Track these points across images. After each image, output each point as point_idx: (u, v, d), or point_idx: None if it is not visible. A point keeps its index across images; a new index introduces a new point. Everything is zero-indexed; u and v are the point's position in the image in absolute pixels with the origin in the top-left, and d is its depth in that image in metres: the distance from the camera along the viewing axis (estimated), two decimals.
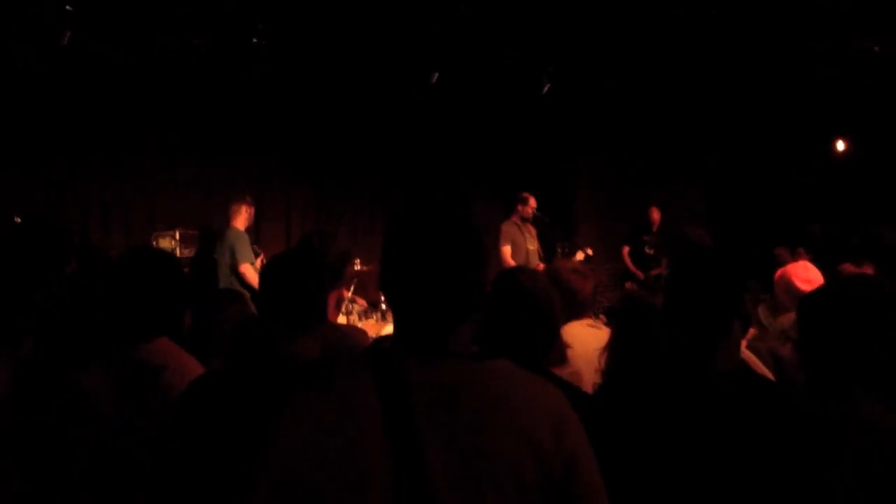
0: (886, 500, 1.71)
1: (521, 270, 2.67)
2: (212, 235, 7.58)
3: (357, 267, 8.11)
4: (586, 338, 3.09)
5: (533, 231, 8.28)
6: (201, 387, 2.18)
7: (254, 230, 7.69)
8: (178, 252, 7.73)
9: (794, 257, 7.75)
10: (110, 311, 2.42)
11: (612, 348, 2.58)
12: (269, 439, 1.49)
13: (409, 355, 1.50)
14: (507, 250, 7.97)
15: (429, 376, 1.46)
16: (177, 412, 2.15)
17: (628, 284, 9.18)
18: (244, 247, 6.93)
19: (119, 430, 2.20)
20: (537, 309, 2.39)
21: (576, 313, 3.35)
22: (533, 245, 8.19)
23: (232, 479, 1.86)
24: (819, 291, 2.11)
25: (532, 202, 8.17)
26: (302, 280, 2.26)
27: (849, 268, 4.59)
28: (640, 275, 9.23)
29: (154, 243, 7.73)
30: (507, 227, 8.11)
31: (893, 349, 1.86)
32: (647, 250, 9.34)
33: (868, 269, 4.42)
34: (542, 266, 7.70)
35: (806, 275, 3.79)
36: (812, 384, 1.96)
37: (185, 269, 7.23)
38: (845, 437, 1.79)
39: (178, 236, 7.85)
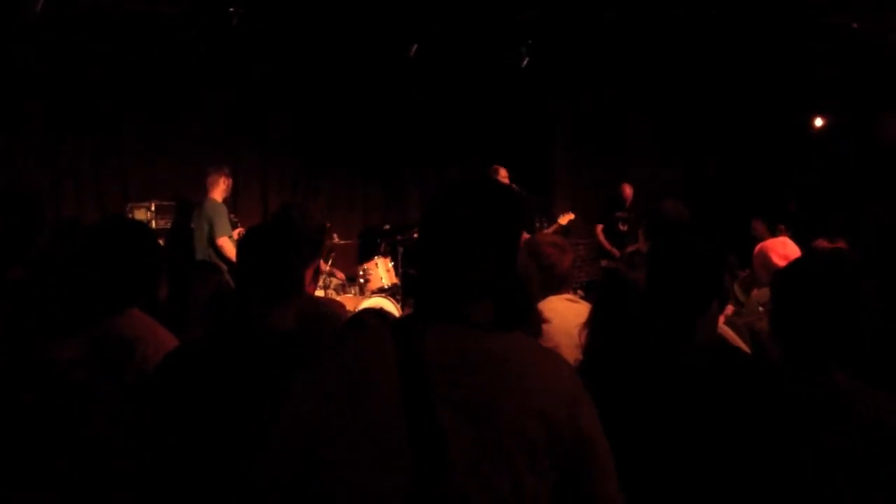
0: (860, 472, 1.73)
1: None
2: (188, 206, 7.51)
3: (335, 240, 8.10)
4: (565, 312, 3.10)
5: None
6: (178, 358, 2.17)
7: (231, 202, 7.63)
8: (153, 223, 7.66)
9: (775, 234, 7.80)
10: (83, 282, 2.39)
11: (592, 324, 2.57)
12: (283, 403, 1.51)
13: (430, 324, 1.52)
14: None
15: (449, 344, 1.48)
16: (155, 384, 2.13)
17: (604, 262, 9.19)
18: (222, 219, 6.89)
19: (94, 403, 2.18)
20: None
21: (554, 287, 3.35)
22: None
23: (228, 446, 1.86)
24: (791, 266, 2.12)
25: (503, 173, 8.10)
26: (279, 251, 2.25)
27: (823, 243, 4.63)
28: (616, 252, 9.24)
29: (129, 215, 7.65)
30: None
31: (863, 322, 1.88)
32: (621, 227, 9.36)
33: (841, 245, 4.46)
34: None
35: (784, 251, 3.82)
36: (786, 358, 1.97)
37: (161, 241, 7.19)
38: (819, 410, 1.80)
39: (153, 207, 7.78)
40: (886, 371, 1.96)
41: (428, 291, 1.58)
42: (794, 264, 2.13)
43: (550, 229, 8.16)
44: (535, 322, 2.46)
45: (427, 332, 1.50)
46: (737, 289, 4.54)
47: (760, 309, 3.56)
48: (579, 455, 1.47)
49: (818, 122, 10.66)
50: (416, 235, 1.70)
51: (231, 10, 7.61)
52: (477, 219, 1.54)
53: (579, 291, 6.56)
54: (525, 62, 9.38)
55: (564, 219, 8.42)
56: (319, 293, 7.00)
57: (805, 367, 1.89)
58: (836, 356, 1.87)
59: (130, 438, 2.06)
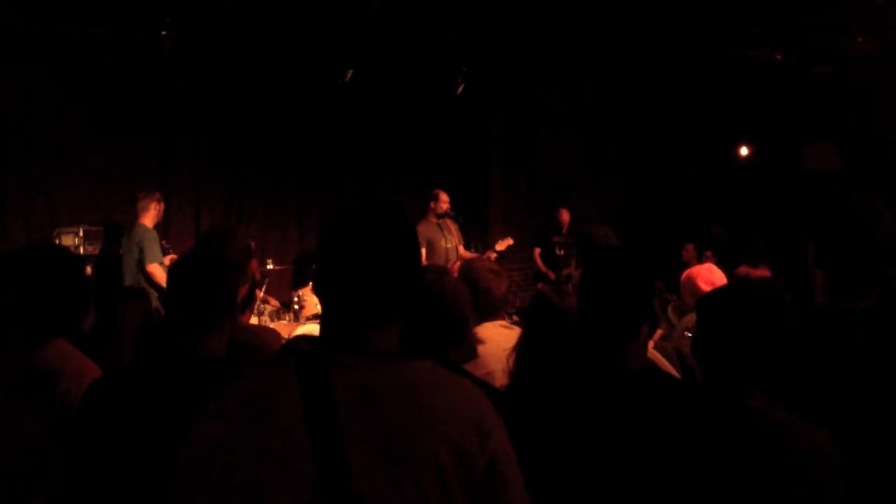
0: (774, 491, 1.78)
1: (428, 269, 2.68)
2: (118, 231, 7.37)
3: (269, 266, 8.01)
4: (499, 338, 3.11)
5: (452, 227, 8.26)
6: (100, 389, 2.12)
7: (163, 226, 7.51)
8: (82, 249, 7.48)
9: (701, 260, 7.98)
10: (4, 312, 2.33)
11: (519, 349, 2.60)
12: (184, 439, 1.45)
13: (333, 354, 1.49)
14: (421, 253, 7.90)
15: (352, 375, 1.45)
16: (76, 417, 2.08)
17: (540, 285, 9.29)
18: (153, 246, 6.77)
19: (7, 434, 2.12)
20: (443, 306, 2.39)
21: (490, 313, 3.36)
22: (451, 242, 8.15)
23: (143, 481, 1.81)
24: (713, 293, 2.18)
25: (444, 198, 8.14)
26: (201, 279, 2.21)
27: (745, 270, 4.76)
28: (552, 275, 9.36)
29: (56, 240, 7.46)
30: (422, 228, 8.02)
31: (781, 348, 1.94)
32: (558, 251, 9.49)
33: (764, 272, 4.58)
34: (458, 263, 7.71)
35: (710, 277, 3.91)
36: (708, 381, 2.02)
37: (89, 267, 7.04)
38: (737, 432, 1.85)
39: (81, 232, 7.60)
40: (806, 393, 2.02)
41: (330, 321, 1.55)
42: (717, 292, 2.20)
43: (490, 254, 8.21)
44: (469, 345, 2.47)
45: (331, 365, 1.46)
46: (671, 313, 4.63)
47: (687, 334, 3.63)
48: (492, 483, 1.46)
49: (744, 150, 10.97)
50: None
51: (163, 33, 7.52)
52: (368, 244, 1.52)
53: (514, 317, 6.61)
54: (460, 89, 9.47)
55: (502, 244, 8.48)
56: (254, 320, 6.91)
57: (725, 388, 1.95)
58: (756, 379, 1.93)
59: (45, 470, 2.01)
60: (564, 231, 9.59)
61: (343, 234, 1.55)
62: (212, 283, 2.20)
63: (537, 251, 9.78)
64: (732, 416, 1.89)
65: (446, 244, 8.08)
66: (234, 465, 1.39)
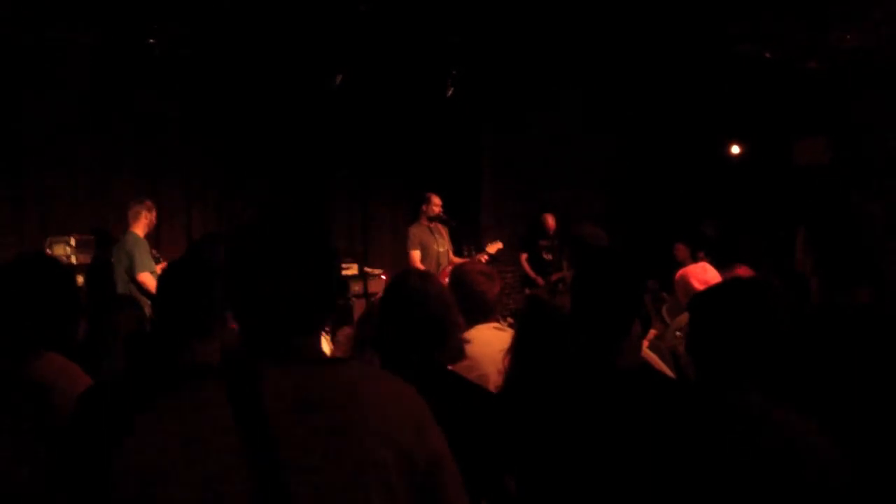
0: (768, 488, 1.78)
1: (411, 272, 2.70)
2: (109, 240, 7.34)
3: None
4: (492, 340, 3.10)
5: (444, 231, 8.25)
6: (90, 400, 2.11)
7: (154, 234, 7.49)
8: (74, 258, 7.44)
9: (695, 259, 8.00)
10: None
11: (513, 351, 2.60)
12: (116, 458, 1.43)
13: (262, 362, 1.47)
14: (415, 255, 7.89)
15: (284, 383, 1.43)
16: (66, 428, 2.07)
17: (527, 291, 9.28)
18: (143, 255, 6.75)
19: (2, 446, 2.11)
20: (426, 308, 2.40)
21: (483, 315, 3.36)
22: (443, 246, 8.14)
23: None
24: (707, 291, 2.19)
25: (436, 201, 8.13)
26: (190, 285, 2.21)
27: (738, 268, 4.77)
28: (540, 280, 9.33)
29: (48, 249, 7.43)
30: (415, 230, 8.04)
31: (775, 344, 1.94)
32: (545, 255, 9.49)
33: (745, 271, 4.59)
34: (450, 266, 7.70)
35: (704, 276, 3.92)
36: (702, 379, 2.02)
37: (80, 276, 7.02)
38: (731, 429, 1.85)
39: (73, 242, 7.56)
40: (804, 390, 2.02)
41: (252, 331, 1.52)
42: (710, 290, 2.20)
43: (480, 256, 8.21)
44: (456, 346, 2.47)
45: (260, 373, 1.44)
46: (665, 314, 4.63)
47: (678, 334, 3.64)
48: (432, 478, 1.47)
49: (735, 149, 10.99)
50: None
51: (151, 41, 7.51)
52: (282, 252, 1.51)
53: (508, 319, 6.60)
54: (450, 92, 9.47)
55: (493, 247, 8.48)
56: None
57: (719, 386, 1.95)
58: (750, 375, 1.93)
59: (39, 482, 2.00)
60: (550, 235, 9.60)
61: (255, 244, 1.53)
62: (200, 288, 2.19)
63: (524, 256, 9.79)
64: (725, 415, 1.89)
65: (438, 248, 8.07)
66: (170, 485, 1.36)
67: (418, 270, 2.78)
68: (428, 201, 8.13)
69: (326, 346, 6.62)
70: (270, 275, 1.48)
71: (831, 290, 2.30)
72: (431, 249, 8.00)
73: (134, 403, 1.98)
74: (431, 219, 8.12)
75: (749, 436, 1.83)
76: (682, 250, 9.33)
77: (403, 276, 2.60)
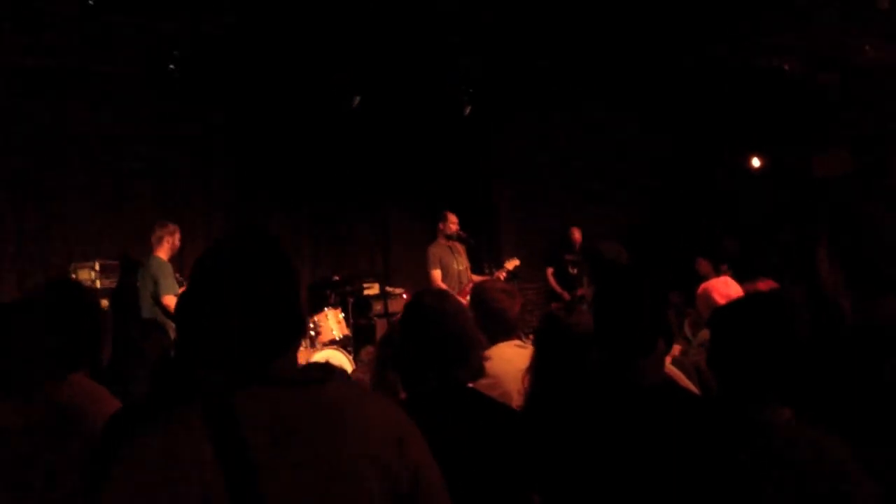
0: (791, 502, 1.76)
1: (427, 292, 2.71)
2: (133, 265, 7.41)
3: None
4: (514, 358, 3.11)
5: (461, 249, 8.24)
6: (117, 425, 2.12)
7: (177, 257, 7.55)
8: (98, 283, 7.52)
9: (718, 272, 7.95)
10: (21, 349, 2.34)
11: (533, 369, 2.60)
12: (101, 492, 1.40)
13: (238, 387, 1.45)
14: (436, 274, 7.86)
15: (261, 408, 1.42)
16: (96, 453, 2.08)
17: (554, 305, 9.25)
18: (167, 278, 6.80)
19: (34, 469, 2.13)
20: (444, 327, 2.40)
21: (505, 333, 3.36)
22: (462, 264, 8.12)
23: None
24: (727, 306, 2.18)
25: (452, 219, 8.13)
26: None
27: (760, 282, 4.74)
28: (566, 295, 9.33)
29: (73, 275, 7.51)
30: (434, 250, 8.03)
31: (797, 359, 1.93)
32: (571, 270, 9.48)
33: (769, 284, 4.56)
34: (470, 284, 7.70)
35: (726, 291, 3.89)
36: (725, 394, 2.01)
37: (105, 301, 7.08)
38: (754, 444, 1.84)
39: (97, 267, 7.64)
40: (826, 405, 2.01)
41: (226, 356, 1.50)
42: (732, 305, 2.19)
43: (499, 274, 8.20)
44: (476, 364, 2.48)
45: (237, 400, 1.42)
46: (687, 329, 4.61)
47: (702, 349, 3.61)
48: (415, 490, 1.47)
49: (755, 161, 10.94)
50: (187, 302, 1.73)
51: (171, 66, 7.61)
52: (247, 275, 1.50)
53: (530, 336, 6.58)
54: (468, 111, 9.51)
55: (510, 264, 8.47)
56: None
57: (742, 402, 1.94)
58: (773, 391, 1.92)
59: None
60: (577, 249, 9.58)
61: (224, 269, 1.52)
62: None
63: (550, 271, 9.78)
64: (749, 431, 1.88)
65: (458, 266, 8.05)
66: None
67: (434, 289, 2.79)
68: (445, 219, 8.13)
69: (348, 365, 6.67)
70: (232, 298, 1.48)
71: (865, 304, 2.27)
72: (451, 268, 7.98)
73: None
74: (449, 237, 8.11)
75: (773, 453, 1.82)
76: (704, 265, 9.28)
77: (419, 296, 2.62)
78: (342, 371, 2.70)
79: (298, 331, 1.57)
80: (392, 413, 1.55)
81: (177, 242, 7.14)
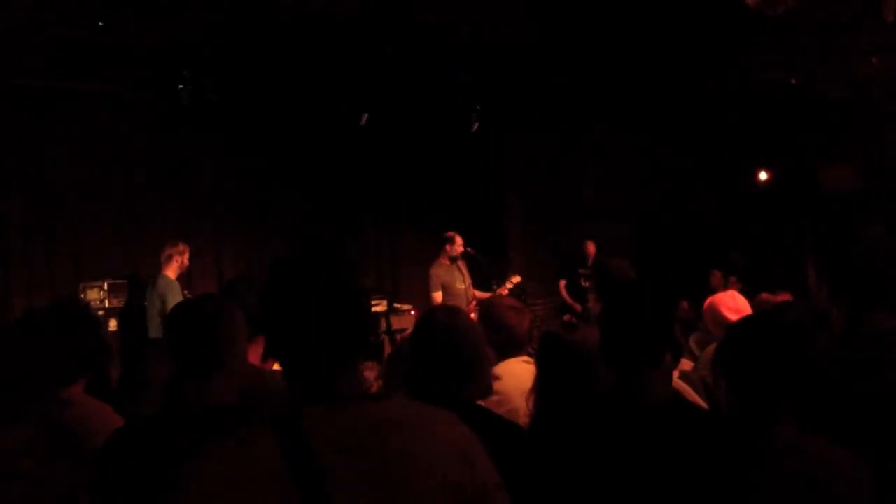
0: None
1: (439, 308, 2.70)
2: (142, 284, 7.43)
3: None
4: (523, 374, 3.09)
5: (464, 267, 8.21)
6: (116, 442, 2.11)
7: (185, 277, 7.56)
8: (106, 302, 7.56)
9: (727, 286, 7.93)
10: (24, 367, 2.35)
11: (536, 388, 2.60)
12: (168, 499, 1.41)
13: (306, 403, 1.47)
14: (437, 296, 7.78)
15: (330, 423, 1.43)
16: (96, 468, 2.08)
17: (567, 317, 9.27)
18: (175, 297, 6.81)
19: (39, 489, 2.13)
20: (454, 344, 2.40)
21: (513, 349, 3.35)
22: (464, 283, 8.09)
23: None
24: (743, 322, 2.17)
25: (458, 240, 8.09)
26: (194, 326, 2.20)
27: (766, 297, 4.72)
28: (578, 307, 9.34)
29: (82, 294, 7.54)
30: (436, 271, 7.94)
31: (810, 376, 1.92)
32: (584, 283, 9.48)
33: (785, 296, 4.55)
34: (474, 302, 7.69)
35: (734, 304, 3.88)
36: (735, 411, 2.01)
37: (113, 321, 7.11)
38: (763, 461, 1.83)
39: (106, 286, 7.67)
40: (840, 421, 2.00)
41: (295, 370, 1.53)
42: (744, 321, 2.19)
43: (502, 291, 8.17)
44: (485, 381, 2.47)
45: (306, 415, 1.44)
46: (693, 344, 4.58)
47: (708, 364, 3.59)
48: None
49: (763, 175, 10.94)
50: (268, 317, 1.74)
51: (181, 87, 7.65)
52: (325, 292, 1.52)
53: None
54: (475, 126, 9.53)
55: (511, 281, 8.46)
56: (277, 366, 6.91)
57: (753, 417, 1.93)
58: (784, 407, 1.91)
59: None
60: (590, 263, 9.57)
61: (297, 284, 1.54)
62: (213, 329, 2.18)
63: (563, 283, 9.79)
64: (760, 447, 1.87)
65: (461, 285, 7.99)
66: None
67: (446, 306, 2.78)
68: (451, 241, 8.04)
69: None
70: (309, 315, 1.50)
71: (853, 318, 2.27)
72: (455, 288, 7.90)
73: (165, 447, 2.01)
74: (453, 258, 8.04)
75: (784, 468, 1.80)
76: (717, 276, 9.29)
77: (431, 313, 2.61)
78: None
79: (365, 347, 1.59)
80: (459, 429, 1.54)
81: (186, 261, 7.15)
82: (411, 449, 1.43)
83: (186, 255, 7.17)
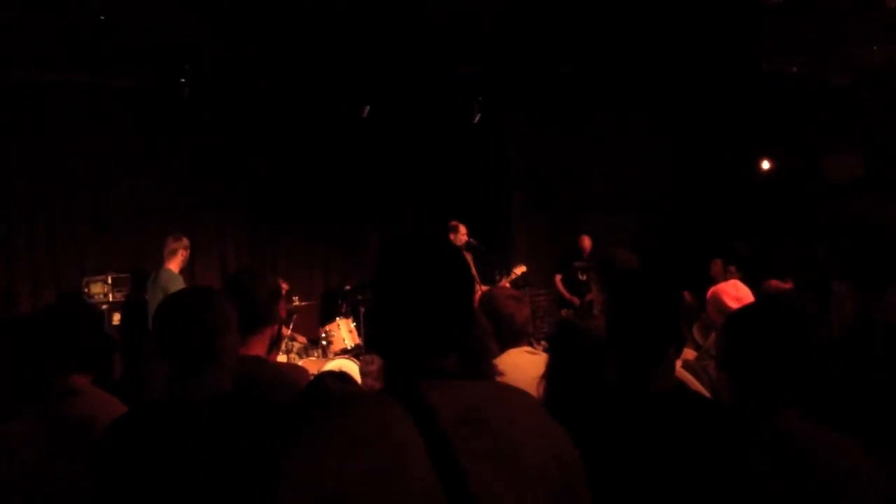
0: None
1: None
2: (145, 278, 7.44)
3: (295, 303, 8.05)
4: (525, 364, 3.08)
5: (469, 258, 8.23)
6: (117, 429, 2.12)
7: (189, 270, 7.57)
8: (110, 296, 7.57)
9: (726, 276, 7.93)
10: (29, 360, 2.36)
11: (548, 377, 2.59)
12: (287, 458, 1.42)
13: (422, 382, 1.51)
14: None
15: (448, 399, 1.47)
16: (97, 458, 2.08)
17: (564, 311, 9.27)
18: (177, 289, 6.81)
19: (47, 480, 2.14)
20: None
21: (514, 339, 3.35)
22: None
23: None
24: (744, 310, 2.17)
25: (462, 229, 8.13)
26: (185, 316, 2.19)
27: (774, 283, 4.71)
28: (576, 301, 9.33)
29: (85, 288, 7.55)
30: None
31: (812, 365, 1.92)
32: (580, 276, 9.46)
33: (790, 285, 4.54)
34: (479, 293, 7.68)
35: (736, 293, 3.87)
36: (737, 400, 2.00)
37: (117, 315, 7.12)
38: (767, 450, 1.83)
39: (109, 280, 7.68)
40: (841, 408, 2.00)
41: (400, 351, 1.57)
42: (745, 309, 2.19)
43: (504, 282, 8.19)
44: (489, 373, 2.47)
45: (426, 391, 1.48)
46: (696, 333, 4.58)
47: (710, 353, 3.59)
48: (577, 486, 1.54)
49: (765, 164, 10.92)
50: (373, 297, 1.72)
51: (182, 80, 7.65)
52: (439, 278, 1.57)
53: (543, 343, 6.58)
54: (477, 118, 9.53)
55: (517, 271, 8.48)
56: (282, 358, 6.93)
57: (755, 406, 1.93)
58: (785, 396, 1.91)
59: None
60: (586, 256, 9.58)
61: (411, 267, 1.59)
62: (206, 320, 2.17)
63: (558, 278, 9.78)
64: (762, 436, 1.87)
65: None
66: (359, 486, 1.35)
67: None
68: (455, 230, 8.12)
69: (359, 375, 6.63)
70: (424, 298, 1.55)
71: (865, 298, 2.26)
72: None
73: (169, 434, 2.01)
74: (458, 248, 8.09)
75: (786, 457, 1.81)
76: (718, 265, 9.28)
77: None
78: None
79: (471, 330, 1.66)
80: (546, 412, 1.62)
81: (187, 255, 7.16)
82: (526, 426, 1.51)
83: (188, 250, 7.18)
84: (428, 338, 1.55)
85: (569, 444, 1.57)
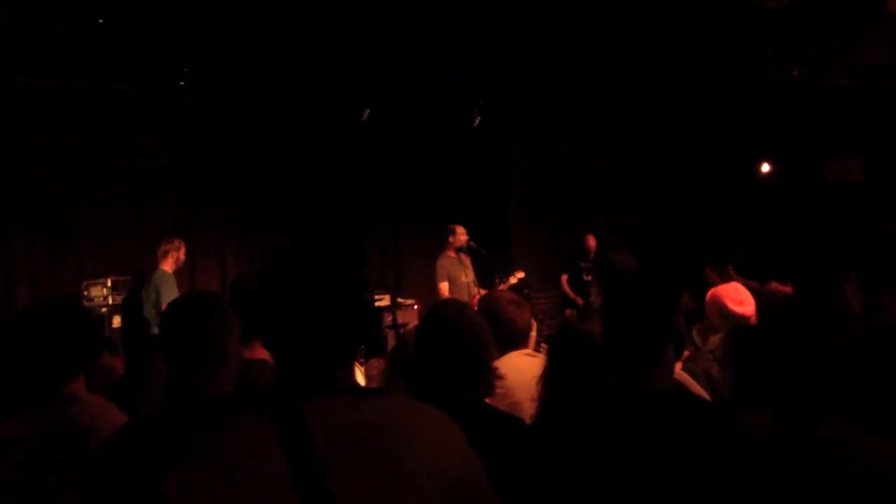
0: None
1: (445, 303, 2.68)
2: (143, 280, 7.43)
3: None
4: (525, 367, 3.08)
5: (468, 261, 8.24)
6: (116, 441, 2.12)
7: (189, 273, 7.57)
8: (110, 299, 7.57)
9: (724, 278, 7.90)
10: (24, 362, 2.35)
11: (546, 377, 2.59)
12: (159, 490, 1.41)
13: (302, 396, 1.46)
14: (444, 287, 7.85)
15: (327, 417, 1.43)
16: (96, 465, 2.08)
17: (568, 311, 9.27)
18: (169, 289, 6.84)
19: (41, 484, 2.14)
20: (462, 339, 2.39)
21: (515, 343, 3.35)
22: (469, 276, 8.13)
23: None
24: (749, 328, 2.19)
25: (461, 231, 8.14)
26: (191, 320, 2.20)
27: (775, 285, 4.71)
28: (580, 301, 9.33)
29: (85, 292, 7.55)
30: (443, 262, 8.01)
31: (817, 368, 1.92)
32: (586, 276, 9.47)
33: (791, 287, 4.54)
34: (478, 296, 7.69)
35: (737, 296, 3.87)
36: (742, 402, 2.01)
37: (117, 318, 7.11)
38: (778, 451, 1.83)
39: (109, 283, 7.68)
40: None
41: (289, 363, 1.51)
42: (757, 324, 2.20)
43: (503, 287, 8.18)
44: (489, 380, 2.46)
45: (304, 408, 1.43)
46: (696, 336, 4.58)
47: (710, 355, 3.59)
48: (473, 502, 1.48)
49: (765, 167, 10.92)
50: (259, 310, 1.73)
51: (181, 83, 7.65)
52: (322, 285, 1.51)
53: (543, 346, 6.56)
54: (477, 121, 9.53)
55: (515, 277, 8.48)
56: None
57: (760, 409, 1.93)
58: (794, 399, 1.91)
59: None
60: (591, 257, 9.58)
61: (290, 277, 1.53)
62: (212, 324, 2.18)
63: (564, 277, 9.78)
64: (763, 439, 1.87)
65: (465, 278, 8.04)
66: None
67: (454, 301, 2.77)
68: (454, 233, 8.13)
69: (360, 377, 6.63)
70: (307, 308, 1.49)
71: (873, 296, 2.26)
72: (459, 281, 7.97)
73: (166, 446, 2.01)
74: (458, 250, 8.11)
75: (789, 458, 1.81)
76: (711, 273, 9.26)
77: (439, 307, 2.59)
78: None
79: (361, 342, 1.60)
80: (452, 427, 1.54)
81: (182, 257, 7.18)
82: (409, 444, 1.44)
83: (182, 251, 7.20)
84: (312, 354, 1.49)
85: (472, 466, 1.51)
